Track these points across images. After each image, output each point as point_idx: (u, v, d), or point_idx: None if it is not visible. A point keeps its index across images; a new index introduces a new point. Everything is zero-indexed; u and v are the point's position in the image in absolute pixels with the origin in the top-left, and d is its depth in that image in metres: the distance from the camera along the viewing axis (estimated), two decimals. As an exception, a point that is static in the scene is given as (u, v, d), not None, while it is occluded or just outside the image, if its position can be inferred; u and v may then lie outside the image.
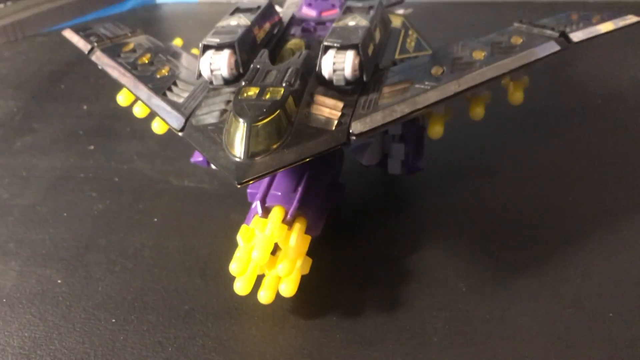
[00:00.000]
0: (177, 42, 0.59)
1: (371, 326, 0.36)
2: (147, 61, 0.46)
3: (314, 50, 0.42)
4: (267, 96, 0.34)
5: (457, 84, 0.38)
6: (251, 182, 0.32)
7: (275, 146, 0.33)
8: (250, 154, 0.32)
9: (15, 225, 0.49)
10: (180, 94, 0.41)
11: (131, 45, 0.50)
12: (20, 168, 0.57)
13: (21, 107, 0.68)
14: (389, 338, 0.36)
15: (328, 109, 0.36)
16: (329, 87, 0.38)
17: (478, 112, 0.41)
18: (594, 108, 0.58)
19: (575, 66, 0.66)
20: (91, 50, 0.50)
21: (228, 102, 0.36)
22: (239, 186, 0.32)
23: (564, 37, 0.42)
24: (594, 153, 0.52)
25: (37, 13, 0.89)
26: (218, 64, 0.39)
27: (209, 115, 0.37)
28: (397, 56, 0.44)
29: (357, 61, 0.37)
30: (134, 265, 0.43)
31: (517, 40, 0.43)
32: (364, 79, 0.37)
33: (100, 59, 0.48)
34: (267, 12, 0.45)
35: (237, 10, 0.45)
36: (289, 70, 0.36)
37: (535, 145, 0.53)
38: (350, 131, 0.35)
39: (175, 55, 0.47)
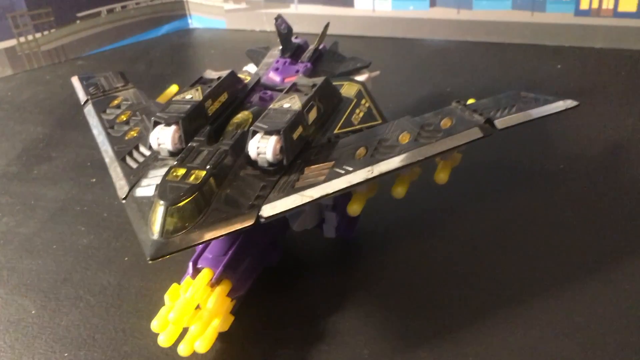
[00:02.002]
0: (173, 88, 0.65)
1: (274, 385, 0.41)
2: (125, 119, 0.53)
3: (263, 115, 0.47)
4: (191, 178, 0.39)
5: (371, 171, 0.42)
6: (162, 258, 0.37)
7: (190, 226, 0.38)
8: (165, 233, 0.37)
9: (13, 253, 0.56)
10: (137, 159, 0.47)
11: (119, 100, 0.56)
12: (30, 196, 0.65)
13: (46, 135, 0.77)
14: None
15: (248, 190, 0.41)
16: (255, 167, 0.42)
17: (399, 191, 0.44)
18: (555, 172, 0.59)
19: (544, 125, 0.67)
20: (86, 102, 0.57)
21: (164, 177, 0.42)
22: (150, 262, 0.37)
23: (489, 123, 0.45)
24: (545, 219, 0.54)
25: (79, 38, 0.98)
26: (163, 138, 0.44)
27: (147, 188, 0.42)
28: (336, 130, 0.48)
29: (278, 146, 0.42)
30: (96, 303, 0.49)
31: (446, 123, 0.46)
32: (284, 163, 0.42)
33: (89, 114, 0.55)
34: (227, 82, 0.50)
35: (200, 80, 0.50)
36: (218, 152, 0.41)
37: (484, 207, 0.55)
38: (260, 214, 0.39)
39: (150, 115, 0.53)
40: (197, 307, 0.42)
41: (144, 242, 0.38)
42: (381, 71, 0.82)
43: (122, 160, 0.47)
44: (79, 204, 0.63)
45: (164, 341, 0.41)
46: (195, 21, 1.13)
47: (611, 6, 0.82)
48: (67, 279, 0.52)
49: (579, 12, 0.84)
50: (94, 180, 0.66)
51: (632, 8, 0.81)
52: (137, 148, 0.48)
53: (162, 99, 0.62)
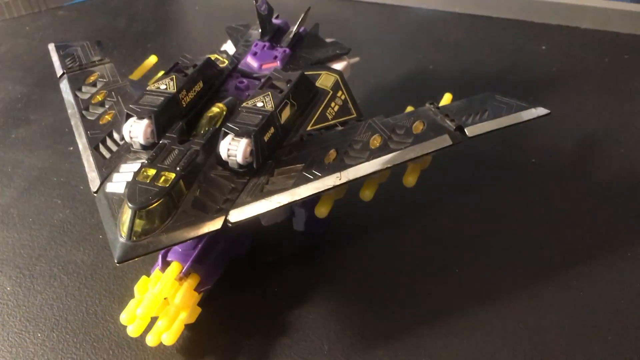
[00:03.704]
0: (151, 59, 0.64)
1: (237, 377, 0.43)
2: (100, 99, 0.52)
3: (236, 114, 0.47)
4: (161, 180, 0.40)
5: (339, 177, 0.43)
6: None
7: (157, 228, 0.39)
8: (133, 235, 0.38)
9: (-11, 225, 0.57)
10: (110, 148, 0.47)
11: (95, 76, 0.56)
12: (7, 163, 0.65)
13: (25, 94, 0.76)
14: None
15: (216, 193, 0.41)
16: (225, 168, 0.43)
17: (367, 194, 0.45)
18: (527, 167, 0.60)
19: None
20: (62, 76, 0.56)
21: (135, 173, 0.42)
22: (118, 264, 0.38)
23: (459, 130, 0.46)
24: (515, 216, 0.55)
25: (60, -14, 0.95)
26: (135, 132, 0.44)
27: (118, 184, 0.43)
28: (309, 127, 0.48)
29: (249, 149, 0.42)
30: (69, 282, 0.51)
31: (418, 127, 0.46)
32: (254, 166, 0.42)
33: (64, 90, 0.55)
34: (202, 71, 0.50)
35: (175, 67, 0.50)
36: (189, 152, 0.42)
37: (454, 202, 0.57)
38: (227, 218, 0.40)
39: (126, 96, 0.53)
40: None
41: (112, 242, 0.39)
42: (364, 42, 0.81)
43: (95, 148, 0.47)
44: (55, 174, 0.63)
45: (132, 332, 0.43)
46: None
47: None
48: (41, 255, 0.54)
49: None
50: (71, 148, 0.66)
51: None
52: (110, 135, 0.48)
53: (139, 71, 0.61)
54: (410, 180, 0.47)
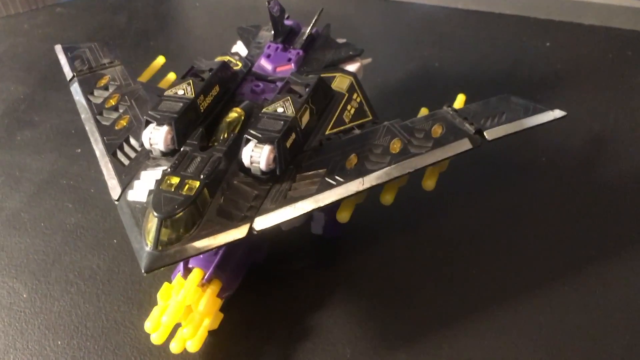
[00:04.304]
0: (159, 60, 0.63)
1: (261, 384, 0.44)
2: (113, 103, 0.52)
3: (255, 117, 0.47)
4: (185, 188, 0.40)
5: (362, 183, 0.43)
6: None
7: (183, 237, 0.39)
8: (159, 244, 0.38)
9: (1, 229, 0.56)
10: (128, 154, 0.47)
11: (106, 79, 0.55)
12: (15, 167, 0.64)
13: (27, 95, 0.75)
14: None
15: (240, 200, 0.41)
16: (247, 174, 0.43)
17: (387, 198, 0.46)
18: (538, 165, 0.61)
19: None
20: (72, 79, 0.56)
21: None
22: (145, 274, 0.38)
23: (479, 134, 0.46)
24: (527, 216, 0.56)
25: (58, -17, 0.94)
26: (156, 139, 0.44)
27: (140, 192, 0.42)
28: (328, 131, 0.48)
29: (272, 156, 0.42)
30: (86, 288, 0.51)
31: (437, 131, 0.46)
32: (277, 172, 0.42)
33: (76, 94, 0.54)
34: (219, 75, 0.49)
35: (191, 71, 0.49)
36: (211, 160, 0.42)
37: (467, 204, 0.57)
38: (252, 226, 0.40)
39: (140, 100, 0.52)
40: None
41: (138, 252, 0.39)
42: (367, 39, 0.81)
43: (112, 154, 0.47)
44: (64, 177, 0.62)
45: (156, 339, 0.43)
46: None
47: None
48: (56, 261, 0.53)
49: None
50: (79, 150, 0.66)
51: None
52: (127, 141, 0.48)
53: (147, 73, 0.61)
54: (429, 183, 0.47)
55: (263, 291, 0.49)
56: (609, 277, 0.50)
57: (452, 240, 0.54)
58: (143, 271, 0.38)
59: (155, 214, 0.38)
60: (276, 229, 0.47)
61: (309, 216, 0.51)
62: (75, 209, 0.59)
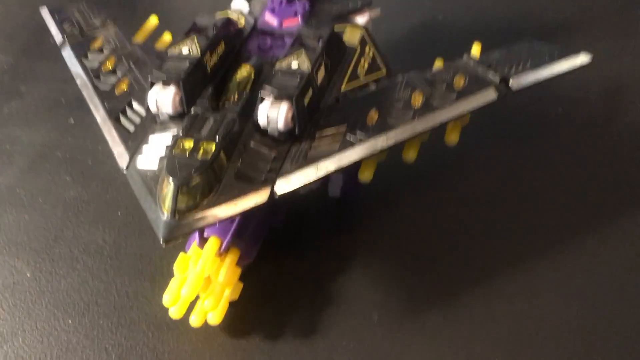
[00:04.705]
0: (153, 20, 0.60)
1: (287, 352, 0.41)
2: (110, 67, 0.49)
3: (265, 74, 0.44)
4: (200, 152, 0.37)
5: (386, 139, 0.40)
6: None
7: (202, 203, 0.36)
8: (177, 212, 0.36)
9: (-4, 207, 0.54)
10: (133, 119, 0.44)
11: (99, 42, 0.52)
12: (5, 140, 0.61)
13: (11, 65, 0.71)
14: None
15: (259, 163, 0.39)
16: (263, 135, 0.40)
17: (410, 154, 0.43)
18: (554, 116, 0.59)
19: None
20: (63, 43, 0.52)
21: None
22: (164, 245, 0.36)
23: (504, 82, 0.43)
24: (545, 171, 0.54)
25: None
26: (162, 101, 0.41)
27: (150, 159, 0.40)
28: (344, 87, 0.45)
29: (290, 114, 0.39)
30: (93, 264, 0.48)
31: (459, 81, 0.44)
32: (296, 132, 0.40)
33: (69, 59, 0.51)
34: (223, 31, 0.46)
35: (193, 28, 0.46)
36: (225, 121, 0.39)
37: (484, 159, 0.55)
38: (274, 190, 0.38)
39: (138, 62, 0.49)
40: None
41: (154, 222, 0.36)
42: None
43: (115, 120, 0.44)
44: (59, 149, 0.59)
45: (174, 313, 0.41)
46: None
47: None
48: (58, 237, 0.51)
49: None
50: (72, 121, 0.62)
51: None
52: (130, 105, 0.45)
53: (141, 34, 0.57)
54: (453, 138, 0.45)
55: (281, 257, 0.47)
56: (634, 229, 0.48)
57: (470, 199, 0.52)
58: (161, 241, 0.35)
59: (171, 180, 0.35)
60: (294, 192, 0.45)
61: (326, 178, 0.49)
62: (73, 181, 0.56)
